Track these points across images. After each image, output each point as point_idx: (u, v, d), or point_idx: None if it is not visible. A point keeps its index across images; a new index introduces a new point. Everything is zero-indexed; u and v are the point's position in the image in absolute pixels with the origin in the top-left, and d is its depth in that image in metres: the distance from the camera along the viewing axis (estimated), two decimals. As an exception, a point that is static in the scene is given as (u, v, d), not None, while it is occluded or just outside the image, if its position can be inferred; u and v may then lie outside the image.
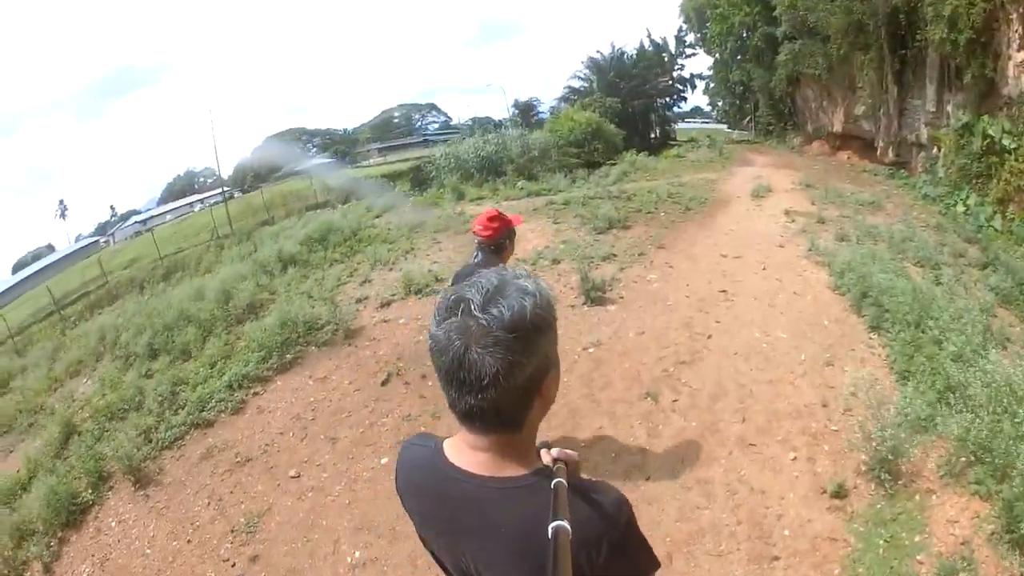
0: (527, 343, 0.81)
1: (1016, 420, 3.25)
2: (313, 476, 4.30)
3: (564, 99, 33.83)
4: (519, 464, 0.89)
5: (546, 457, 0.95)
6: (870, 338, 5.50)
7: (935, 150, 13.24)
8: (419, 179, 24.27)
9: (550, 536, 0.73)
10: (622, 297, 6.60)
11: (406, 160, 34.24)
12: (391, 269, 8.38)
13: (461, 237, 9.97)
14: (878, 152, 16.76)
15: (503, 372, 0.79)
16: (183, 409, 5.41)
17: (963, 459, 3.35)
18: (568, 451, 0.97)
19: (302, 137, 58.37)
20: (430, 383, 5.01)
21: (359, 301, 7.26)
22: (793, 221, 9.26)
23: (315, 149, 56.68)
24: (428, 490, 0.97)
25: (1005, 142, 9.92)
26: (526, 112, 36.72)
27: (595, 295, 6.46)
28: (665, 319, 5.97)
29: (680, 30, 33.64)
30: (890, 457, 3.40)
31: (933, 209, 11.24)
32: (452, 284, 2.55)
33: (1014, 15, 9.75)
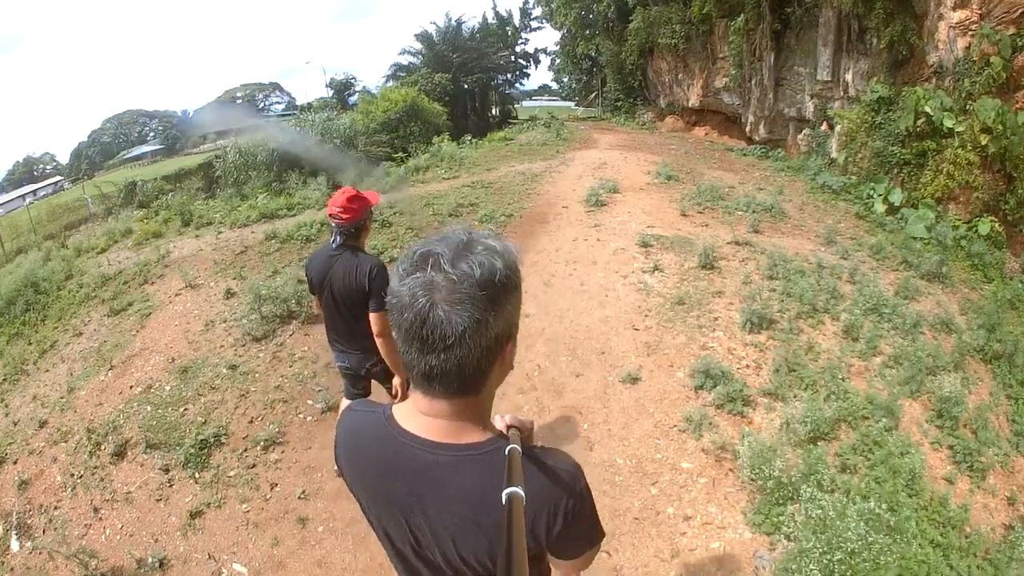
0: (495, 301, 0.75)
1: None
2: None
3: (392, 77, 28.15)
4: (477, 430, 0.83)
5: (499, 424, 0.90)
6: None
7: (823, 127, 10.41)
8: (211, 178, 18.34)
9: (503, 503, 0.69)
10: None
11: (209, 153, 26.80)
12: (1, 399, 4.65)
13: (109, 324, 5.20)
14: (747, 128, 13.91)
15: (470, 330, 0.73)
16: None
17: None
18: (521, 418, 0.92)
19: (139, 120, 54.13)
20: None
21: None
22: (656, 268, 5.02)
23: (152, 133, 53.40)
24: (377, 459, 0.87)
25: (947, 123, 6.76)
26: (342, 92, 30.02)
27: None
28: None
29: (526, 2, 29.78)
30: None
31: (846, 209, 7.75)
32: (306, 270, 2.63)
33: (952, -37, 6.80)
